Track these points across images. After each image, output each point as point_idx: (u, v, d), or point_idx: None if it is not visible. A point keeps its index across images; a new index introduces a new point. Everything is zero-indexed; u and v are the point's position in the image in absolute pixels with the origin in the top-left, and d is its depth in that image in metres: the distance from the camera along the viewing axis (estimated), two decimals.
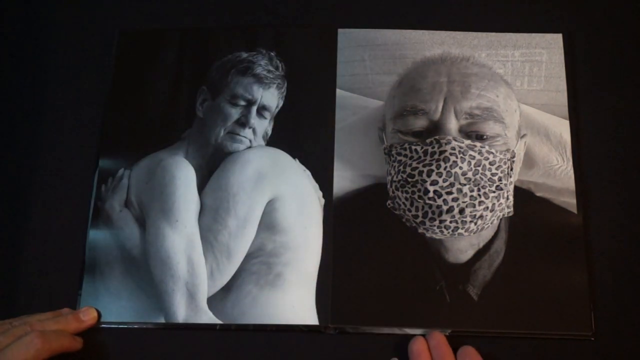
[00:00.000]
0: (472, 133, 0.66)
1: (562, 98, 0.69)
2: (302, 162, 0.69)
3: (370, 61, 0.71)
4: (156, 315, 0.65)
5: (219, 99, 0.71)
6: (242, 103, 0.70)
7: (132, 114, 0.72)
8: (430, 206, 0.64)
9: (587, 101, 0.70)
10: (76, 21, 0.78)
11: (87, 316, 0.64)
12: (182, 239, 0.66)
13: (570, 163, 0.67)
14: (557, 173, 0.67)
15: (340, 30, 0.73)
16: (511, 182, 0.66)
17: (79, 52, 0.76)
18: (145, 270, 0.66)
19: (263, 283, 0.65)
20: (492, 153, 0.65)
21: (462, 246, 0.65)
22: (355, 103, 0.70)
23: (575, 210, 0.65)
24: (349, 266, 0.65)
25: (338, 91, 0.71)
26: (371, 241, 0.65)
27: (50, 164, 0.72)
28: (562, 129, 0.68)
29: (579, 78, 0.71)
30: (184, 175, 0.68)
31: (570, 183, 0.66)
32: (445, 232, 0.64)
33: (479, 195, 0.64)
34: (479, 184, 0.64)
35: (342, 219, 0.66)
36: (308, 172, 0.68)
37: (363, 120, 0.70)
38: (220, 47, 0.73)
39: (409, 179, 0.65)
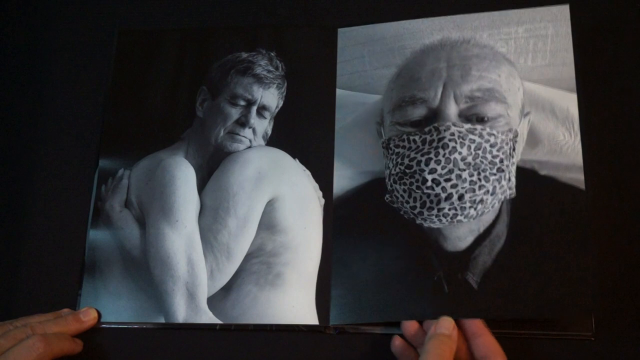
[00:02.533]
0: (472, 116, 0.64)
1: (569, 71, 0.66)
2: (302, 162, 0.69)
3: (369, 57, 0.70)
4: (156, 315, 0.65)
5: (219, 99, 0.71)
6: (242, 103, 0.70)
7: (132, 114, 0.72)
8: (429, 195, 0.63)
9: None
10: (75, 21, 0.78)
11: (87, 317, 0.64)
12: (182, 239, 0.66)
13: (578, 137, 0.64)
14: (563, 149, 0.64)
15: (340, 30, 0.73)
16: (513, 162, 0.64)
17: (79, 52, 0.76)
18: (145, 271, 0.66)
19: (263, 283, 0.65)
20: (494, 135, 0.63)
21: (461, 233, 0.63)
22: (355, 100, 0.70)
23: (582, 187, 0.62)
24: (349, 265, 0.64)
25: (338, 91, 0.70)
26: (370, 238, 0.65)
27: (50, 164, 0.72)
28: (569, 102, 0.65)
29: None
30: (184, 175, 0.68)
31: (578, 158, 0.64)
32: (444, 220, 0.63)
33: (479, 179, 0.62)
34: (479, 168, 0.62)
35: (341, 218, 0.66)
36: (308, 172, 0.68)
37: (362, 117, 0.69)
38: (220, 47, 0.73)
39: (407, 170, 0.64)
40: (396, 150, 0.66)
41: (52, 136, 0.73)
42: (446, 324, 0.58)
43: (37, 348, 0.56)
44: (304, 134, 0.70)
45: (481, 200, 0.63)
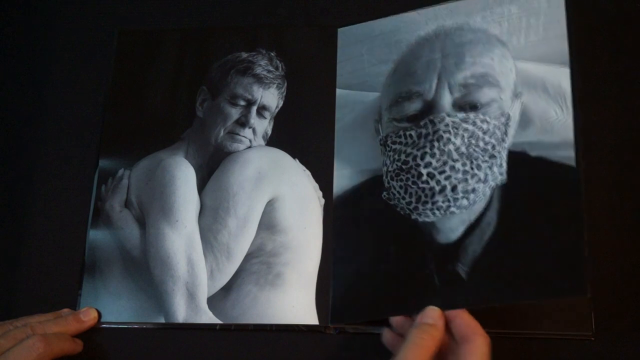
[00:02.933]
0: (465, 105, 0.63)
1: (562, 43, 0.64)
2: (302, 162, 0.69)
3: (368, 54, 0.70)
4: (156, 315, 0.65)
5: (219, 98, 0.71)
6: (242, 103, 0.70)
7: (132, 114, 0.72)
8: (423, 189, 0.62)
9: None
10: (75, 20, 0.78)
11: (87, 317, 0.64)
12: (182, 239, 0.66)
13: (570, 113, 0.62)
14: (554, 127, 0.62)
15: (340, 30, 0.72)
16: (505, 147, 0.63)
17: (79, 52, 0.76)
18: (145, 271, 0.66)
19: (263, 283, 0.65)
20: (487, 121, 0.63)
21: (453, 224, 0.63)
22: (354, 99, 0.69)
23: (573, 164, 0.60)
24: (349, 265, 0.64)
25: (338, 91, 0.70)
26: (369, 237, 0.65)
27: (50, 164, 0.72)
28: (560, 77, 0.63)
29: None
30: (184, 175, 0.68)
31: (569, 134, 0.61)
32: (438, 213, 0.63)
33: (472, 168, 0.62)
34: (471, 157, 0.62)
35: (341, 218, 0.66)
36: (308, 172, 0.68)
37: (360, 115, 0.69)
38: (220, 47, 0.73)
39: (404, 166, 0.64)
40: (393, 146, 0.65)
41: (52, 136, 0.73)
42: (431, 313, 0.57)
43: (37, 348, 0.56)
44: (304, 134, 0.70)
45: (473, 190, 0.62)
